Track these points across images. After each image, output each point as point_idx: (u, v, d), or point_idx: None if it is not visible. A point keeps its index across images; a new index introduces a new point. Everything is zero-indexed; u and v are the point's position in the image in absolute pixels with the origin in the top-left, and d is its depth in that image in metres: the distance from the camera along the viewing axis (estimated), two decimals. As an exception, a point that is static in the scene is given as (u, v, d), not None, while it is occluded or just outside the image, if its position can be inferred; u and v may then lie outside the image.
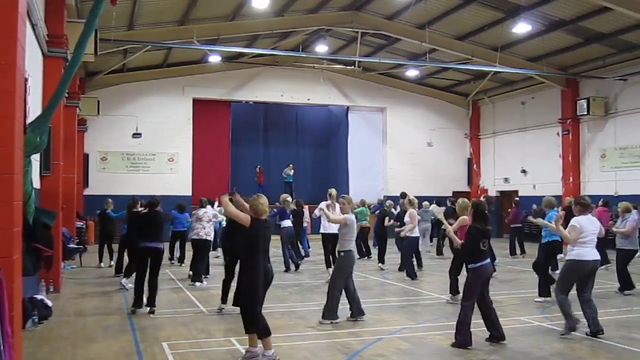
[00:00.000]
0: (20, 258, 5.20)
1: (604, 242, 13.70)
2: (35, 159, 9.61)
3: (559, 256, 11.37)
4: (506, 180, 26.55)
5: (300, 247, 16.09)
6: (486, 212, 7.33)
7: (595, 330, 7.49)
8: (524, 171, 25.47)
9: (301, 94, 26.19)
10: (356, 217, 17.27)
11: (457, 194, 25.12)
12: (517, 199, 20.20)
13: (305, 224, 16.29)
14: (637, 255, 11.38)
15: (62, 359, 6.66)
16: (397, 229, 14.55)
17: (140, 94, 24.15)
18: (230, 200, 6.79)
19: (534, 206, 19.36)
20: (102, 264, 15.24)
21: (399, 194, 17.64)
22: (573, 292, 7.70)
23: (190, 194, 23.48)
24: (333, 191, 13.10)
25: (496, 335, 7.24)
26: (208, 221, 12.38)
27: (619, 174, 21.15)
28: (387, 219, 15.66)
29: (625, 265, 10.93)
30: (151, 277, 9.25)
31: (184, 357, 6.69)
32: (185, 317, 8.97)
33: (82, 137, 22.25)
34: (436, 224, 18.93)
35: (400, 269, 14.04)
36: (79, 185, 19.06)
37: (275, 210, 15.00)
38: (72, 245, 13.75)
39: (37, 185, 10.10)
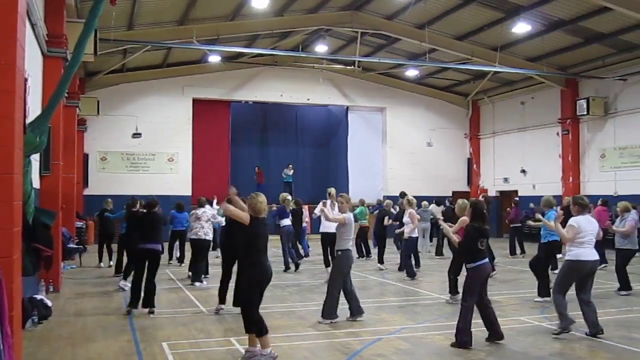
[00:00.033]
0: (20, 258, 5.20)
1: (602, 242, 13.76)
2: (35, 159, 9.61)
3: (558, 256, 11.38)
4: (506, 180, 26.55)
5: (300, 247, 16.09)
6: (484, 211, 7.33)
7: (595, 331, 7.49)
8: (523, 171, 25.48)
9: (301, 93, 26.19)
10: (356, 217, 17.39)
11: (456, 194, 25.16)
12: (517, 198, 20.21)
13: (304, 224, 16.29)
14: (636, 254, 11.38)
15: (62, 359, 6.66)
16: (397, 230, 14.55)
17: (140, 94, 24.14)
18: (229, 200, 6.79)
19: (531, 205, 19.39)
20: (101, 264, 15.25)
21: (398, 194, 17.65)
22: (572, 292, 7.71)
23: (190, 193, 23.48)
24: (332, 190, 13.12)
25: (495, 335, 7.24)
26: (207, 221, 12.36)
27: (618, 174, 21.16)
28: (386, 218, 15.66)
29: (625, 265, 10.92)
30: (149, 278, 9.23)
31: (183, 357, 6.69)
32: (185, 317, 8.97)
33: (82, 137, 22.25)
34: (435, 223, 18.93)
35: (399, 269, 14.05)
36: (78, 185, 19.07)
37: (275, 210, 15.01)
38: (71, 245, 13.76)
39: (36, 185, 10.10)
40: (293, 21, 20.94)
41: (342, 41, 23.56)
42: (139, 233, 9.46)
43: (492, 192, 27.00)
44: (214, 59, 22.41)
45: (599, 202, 15.52)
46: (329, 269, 11.62)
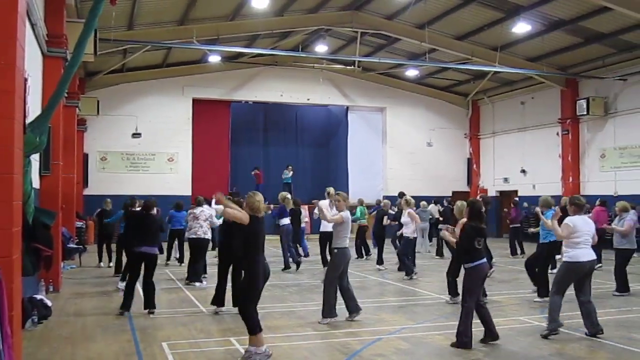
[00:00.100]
0: (19, 258, 5.20)
1: (600, 242, 13.75)
2: (35, 158, 9.61)
3: (557, 257, 11.38)
4: (506, 180, 26.56)
5: (299, 247, 16.10)
6: (482, 210, 7.31)
7: (595, 331, 7.50)
8: (523, 171, 25.48)
9: (301, 93, 26.19)
10: (357, 218, 17.40)
11: (456, 194, 25.21)
12: (517, 199, 20.20)
13: (303, 225, 16.30)
14: (634, 254, 11.38)
15: (62, 359, 6.66)
16: (398, 232, 14.53)
17: (140, 93, 24.15)
18: (217, 202, 6.84)
19: (525, 204, 19.39)
20: (101, 264, 15.25)
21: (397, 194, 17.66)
22: (571, 292, 7.71)
23: (190, 193, 23.47)
24: (331, 190, 13.13)
25: (490, 335, 7.22)
26: (205, 220, 12.34)
27: (618, 174, 21.16)
28: (385, 218, 15.66)
29: (624, 265, 10.90)
30: (147, 280, 9.22)
31: (183, 357, 6.69)
32: (185, 317, 8.97)
33: (82, 137, 22.25)
34: (434, 223, 18.95)
35: (399, 269, 14.05)
36: (78, 185, 19.07)
37: (276, 210, 15.01)
38: (71, 245, 13.75)
39: (36, 185, 10.10)
40: (293, 21, 20.94)
41: (342, 41, 23.56)
42: (136, 235, 9.43)
43: (492, 192, 27.00)
44: (214, 59, 22.41)
45: (597, 203, 15.47)
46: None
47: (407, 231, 13.22)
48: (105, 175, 23.46)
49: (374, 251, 16.37)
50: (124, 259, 12.32)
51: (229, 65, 24.39)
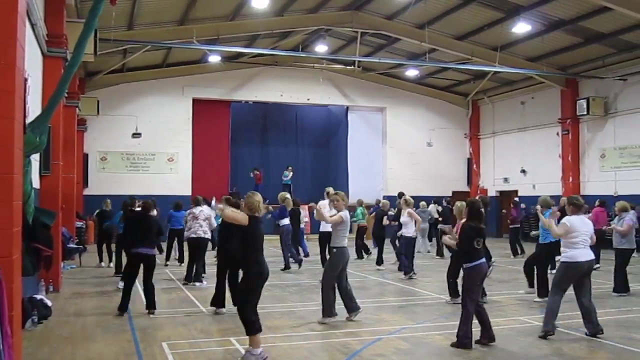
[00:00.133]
0: (19, 258, 5.20)
1: (600, 242, 13.73)
2: (35, 158, 9.61)
3: (557, 258, 11.37)
4: (506, 180, 26.56)
5: (300, 247, 16.11)
6: (481, 210, 7.29)
7: (595, 331, 7.49)
8: (523, 171, 25.49)
9: (301, 93, 26.20)
10: (356, 218, 17.40)
11: (456, 194, 25.20)
12: (517, 199, 20.19)
13: (302, 225, 16.29)
14: (633, 254, 11.37)
15: (62, 359, 6.66)
16: (399, 233, 14.49)
17: (140, 93, 24.15)
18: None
19: (522, 205, 19.36)
20: (102, 264, 15.24)
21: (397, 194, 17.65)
22: (571, 292, 7.71)
23: (190, 193, 23.44)
24: (331, 190, 13.08)
25: (486, 336, 7.19)
26: (204, 219, 12.34)
27: (618, 174, 21.17)
28: (384, 218, 15.64)
29: (624, 265, 10.89)
30: (145, 281, 9.22)
31: (183, 357, 6.69)
32: (185, 317, 8.97)
33: (82, 137, 22.26)
34: (434, 223, 18.95)
35: (399, 269, 14.04)
36: (78, 185, 19.07)
37: (277, 211, 14.99)
38: (71, 245, 13.75)
39: (36, 185, 10.10)
40: (293, 21, 20.95)
41: (342, 41, 23.56)
42: (134, 236, 9.42)
43: (492, 192, 27.02)
44: (214, 59, 22.41)
45: (597, 203, 15.41)
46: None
47: (407, 231, 13.21)
48: (105, 175, 23.47)
49: (374, 251, 16.37)
50: (124, 259, 12.35)
51: (229, 65, 24.40)
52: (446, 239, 8.39)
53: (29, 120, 6.47)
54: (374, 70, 26.48)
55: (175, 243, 15.76)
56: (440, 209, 19.23)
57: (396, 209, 15.79)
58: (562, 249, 7.64)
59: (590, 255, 7.58)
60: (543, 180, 24.05)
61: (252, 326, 6.35)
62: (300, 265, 14.59)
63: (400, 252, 13.46)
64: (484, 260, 7.25)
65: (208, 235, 12.50)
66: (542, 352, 6.86)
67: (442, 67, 24.36)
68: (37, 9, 9.81)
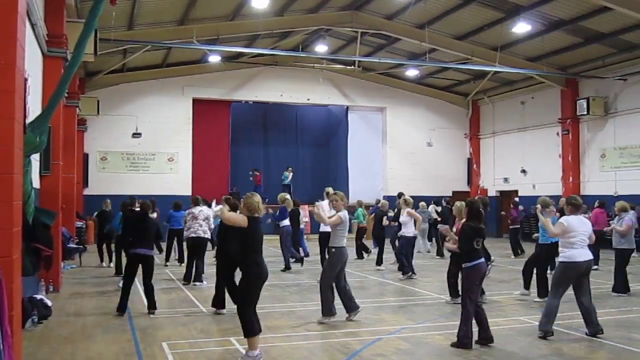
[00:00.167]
0: (19, 258, 5.20)
1: (600, 242, 13.71)
2: (35, 158, 9.61)
3: (557, 259, 11.36)
4: (506, 180, 26.56)
5: (300, 247, 16.10)
6: (480, 210, 7.28)
7: (595, 331, 7.49)
8: (523, 171, 25.49)
9: (301, 93, 26.20)
10: (358, 218, 17.39)
11: (457, 194, 25.20)
12: (517, 199, 20.18)
13: (302, 225, 16.28)
14: (633, 254, 11.36)
15: (62, 359, 6.66)
16: (399, 233, 14.48)
17: (140, 93, 24.16)
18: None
19: (521, 207, 19.32)
20: (103, 264, 15.23)
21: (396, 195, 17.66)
22: (571, 292, 7.70)
23: (190, 193, 23.40)
24: (330, 190, 13.08)
25: (484, 336, 7.17)
26: (204, 219, 12.34)
27: (618, 174, 21.16)
28: (384, 219, 15.64)
29: (624, 265, 10.89)
30: (145, 282, 9.23)
31: (183, 357, 6.69)
32: (185, 317, 8.97)
33: (82, 137, 22.27)
34: (433, 223, 18.94)
35: (399, 269, 14.03)
36: (78, 185, 19.08)
37: (277, 212, 14.99)
38: (71, 245, 13.75)
39: (36, 185, 10.10)
40: (293, 21, 20.95)
41: (342, 41, 23.56)
42: (132, 237, 9.42)
43: (492, 192, 27.03)
44: (214, 59, 22.42)
45: (596, 204, 15.35)
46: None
47: (406, 231, 13.19)
48: (106, 175, 23.47)
49: (374, 251, 16.37)
50: (124, 259, 12.34)
51: (229, 65, 24.40)
52: (448, 245, 8.37)
53: (29, 120, 6.47)
54: (374, 70, 26.49)
55: (175, 243, 15.75)
56: (439, 209, 19.23)
57: (396, 209, 15.80)
58: (560, 249, 7.63)
59: (589, 255, 7.57)
60: (543, 180, 24.05)
61: (250, 328, 6.34)
62: (302, 262, 14.59)
63: (400, 252, 13.44)
64: (483, 260, 7.25)
65: (207, 235, 12.49)
66: (542, 352, 6.87)
67: (442, 67, 24.36)
68: (37, 9, 9.81)
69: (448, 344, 7.12)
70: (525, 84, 24.89)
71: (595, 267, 13.74)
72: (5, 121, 4.86)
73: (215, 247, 11.02)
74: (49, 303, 8.80)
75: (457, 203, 9.85)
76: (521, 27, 18.13)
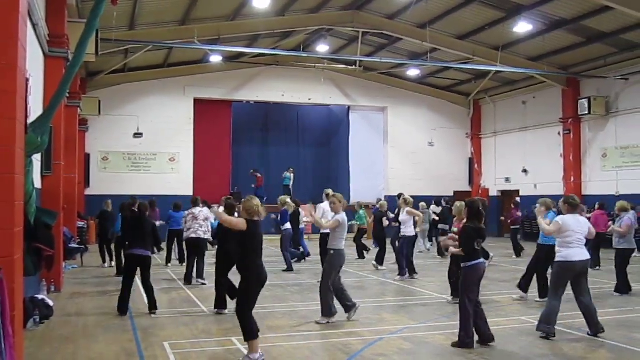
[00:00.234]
0: (21, 258, 5.21)
1: (598, 243, 13.72)
2: (37, 158, 9.62)
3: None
4: (507, 179, 26.54)
5: (300, 247, 16.12)
6: (480, 209, 7.27)
7: (596, 330, 7.49)
8: (525, 171, 25.47)
9: (302, 93, 26.20)
10: (360, 219, 17.38)
11: (458, 194, 25.18)
12: (518, 199, 20.17)
13: (302, 225, 16.28)
14: (634, 254, 11.34)
15: (63, 359, 6.67)
16: (401, 233, 14.47)
17: (142, 93, 24.17)
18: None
19: (519, 214, 19.26)
20: (105, 264, 15.24)
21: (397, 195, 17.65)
22: (570, 292, 7.70)
23: (191, 193, 23.37)
24: (330, 191, 13.07)
25: (483, 336, 7.15)
26: (204, 219, 12.35)
27: (620, 174, 21.15)
28: (384, 219, 15.62)
29: (624, 265, 10.86)
30: (144, 282, 9.24)
31: (185, 357, 6.70)
32: (186, 317, 8.98)
33: (83, 137, 22.29)
34: (433, 224, 18.93)
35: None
36: (80, 185, 19.08)
37: (279, 217, 14.98)
38: (73, 245, 13.74)
39: (38, 185, 10.11)
40: (294, 21, 20.95)
41: (343, 41, 23.56)
42: (129, 237, 9.43)
43: (493, 192, 27.03)
44: (215, 58, 22.43)
45: (597, 206, 15.32)
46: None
47: (407, 230, 13.17)
48: (107, 175, 23.49)
49: (375, 251, 16.35)
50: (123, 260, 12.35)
51: (230, 65, 24.42)
52: (452, 249, 8.33)
53: (30, 120, 6.48)
54: (375, 70, 26.48)
55: (175, 244, 15.75)
56: (439, 209, 19.20)
57: (396, 209, 15.80)
58: (556, 248, 7.61)
59: (585, 255, 7.56)
60: (544, 180, 24.04)
61: (250, 331, 6.34)
62: (303, 259, 14.56)
63: (400, 252, 13.42)
64: (482, 260, 7.24)
65: (208, 236, 12.50)
66: (542, 352, 6.86)
67: (443, 67, 24.35)
68: (38, 9, 9.83)
69: (449, 344, 7.11)
70: (526, 83, 24.88)
71: (597, 267, 13.76)
72: (7, 121, 4.86)
73: (216, 247, 10.99)
74: (51, 303, 8.81)
75: (457, 203, 9.83)
76: (522, 27, 18.14)
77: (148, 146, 24.22)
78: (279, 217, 14.96)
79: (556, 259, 7.60)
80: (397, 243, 14.06)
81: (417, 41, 21.12)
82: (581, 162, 22.85)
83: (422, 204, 18.28)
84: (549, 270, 10.67)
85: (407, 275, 13.04)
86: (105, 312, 9.28)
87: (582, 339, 7.46)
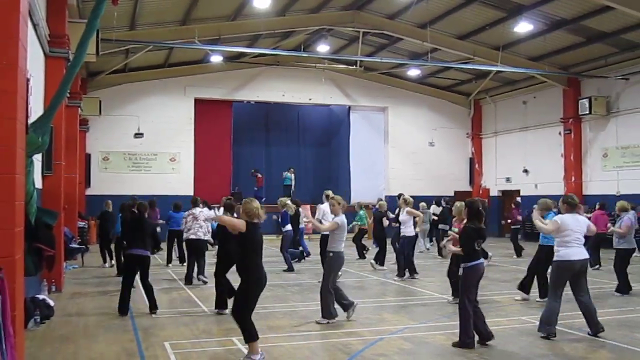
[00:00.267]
0: (22, 258, 5.22)
1: (598, 243, 13.71)
2: (37, 159, 9.62)
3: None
4: (508, 179, 26.53)
5: (300, 247, 16.14)
6: (480, 209, 7.26)
7: (596, 330, 7.49)
8: (525, 171, 25.46)
9: (303, 93, 26.20)
10: (361, 220, 17.37)
11: (459, 194, 25.18)
12: (518, 199, 20.18)
13: (302, 225, 16.29)
14: (634, 254, 11.33)
15: (64, 359, 6.67)
16: (401, 234, 14.46)
17: (142, 93, 24.18)
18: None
19: (519, 217, 19.26)
20: (105, 264, 15.25)
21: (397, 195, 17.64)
22: (570, 292, 7.69)
23: (192, 193, 23.38)
24: (330, 193, 13.06)
25: (483, 336, 7.15)
26: (204, 220, 12.35)
27: (620, 174, 21.13)
28: (384, 219, 15.61)
29: (625, 265, 10.84)
30: (143, 282, 9.25)
31: (185, 357, 6.70)
32: (187, 316, 8.98)
33: (84, 137, 22.29)
34: (434, 224, 18.92)
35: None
36: (80, 185, 19.10)
37: (280, 219, 14.99)
38: (74, 245, 13.75)
39: (39, 185, 10.11)
40: (295, 21, 20.95)
41: (344, 41, 23.56)
42: (128, 237, 9.44)
43: (494, 192, 27.02)
44: (216, 59, 22.44)
45: (597, 207, 15.32)
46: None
47: (406, 230, 13.15)
48: (108, 175, 23.50)
49: (374, 251, 16.34)
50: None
51: (230, 65, 24.42)
52: (452, 249, 8.33)
53: (31, 120, 6.49)
54: (376, 70, 26.47)
55: (175, 244, 15.74)
56: (439, 210, 19.19)
57: (396, 209, 15.79)
58: (555, 247, 7.61)
59: (584, 254, 7.55)
60: (545, 179, 24.02)
61: (250, 333, 6.34)
62: (304, 258, 14.55)
63: (400, 252, 13.41)
64: (482, 260, 7.25)
65: (208, 237, 12.50)
66: (543, 352, 6.86)
67: (444, 67, 24.35)
68: (39, 9, 9.83)
69: (450, 344, 7.11)
70: (527, 83, 24.87)
71: (597, 266, 13.75)
72: (7, 121, 4.87)
73: (217, 247, 11.00)
74: (52, 303, 8.83)
75: (457, 203, 9.83)
76: (523, 27, 18.13)
77: (149, 146, 24.22)
78: (280, 219, 14.96)
79: (555, 258, 7.58)
80: (397, 243, 14.05)
81: (417, 41, 21.11)
82: (582, 162, 22.84)
83: (422, 204, 18.28)
84: (549, 271, 10.77)
85: (407, 275, 13.03)
86: (106, 312, 9.29)
87: (583, 339, 7.46)
